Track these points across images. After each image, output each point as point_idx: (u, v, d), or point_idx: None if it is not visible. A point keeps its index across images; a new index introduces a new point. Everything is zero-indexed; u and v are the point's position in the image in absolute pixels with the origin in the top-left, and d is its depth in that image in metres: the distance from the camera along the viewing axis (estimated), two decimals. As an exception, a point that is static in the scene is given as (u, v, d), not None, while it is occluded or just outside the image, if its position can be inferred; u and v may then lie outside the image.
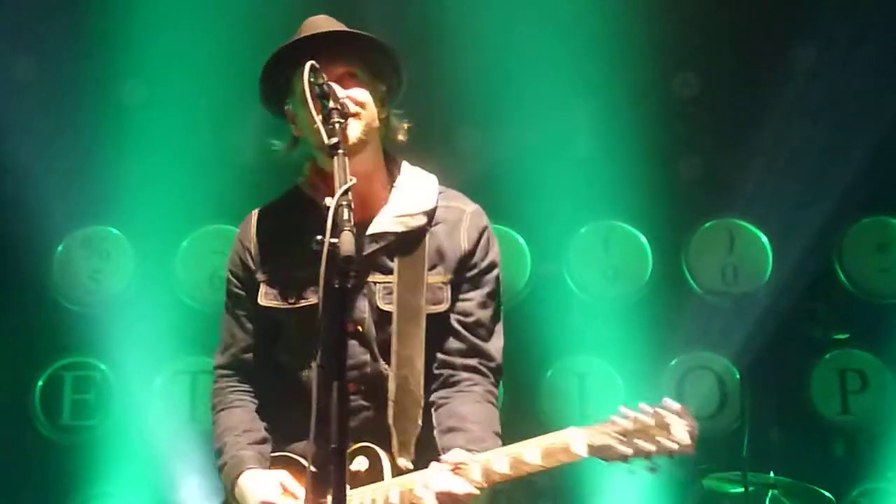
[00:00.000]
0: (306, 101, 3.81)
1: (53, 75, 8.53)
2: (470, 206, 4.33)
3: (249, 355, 4.34)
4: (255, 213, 4.44)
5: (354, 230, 3.45)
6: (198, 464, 8.04)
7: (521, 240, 8.42)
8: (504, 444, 3.94)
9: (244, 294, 4.33)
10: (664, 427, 3.46)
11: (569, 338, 8.25)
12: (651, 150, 8.46)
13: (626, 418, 3.52)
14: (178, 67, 8.22)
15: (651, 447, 3.46)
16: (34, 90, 8.56)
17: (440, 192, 4.31)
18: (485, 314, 4.21)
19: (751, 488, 7.29)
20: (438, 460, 3.88)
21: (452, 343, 4.16)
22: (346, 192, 3.50)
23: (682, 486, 8.16)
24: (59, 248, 8.63)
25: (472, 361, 4.15)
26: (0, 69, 8.49)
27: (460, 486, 3.74)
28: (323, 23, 4.21)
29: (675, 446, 3.45)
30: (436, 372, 4.14)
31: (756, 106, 8.57)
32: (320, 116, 3.73)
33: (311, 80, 3.78)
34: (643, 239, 8.77)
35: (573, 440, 3.57)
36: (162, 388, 8.49)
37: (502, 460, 3.72)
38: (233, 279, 4.39)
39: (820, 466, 8.13)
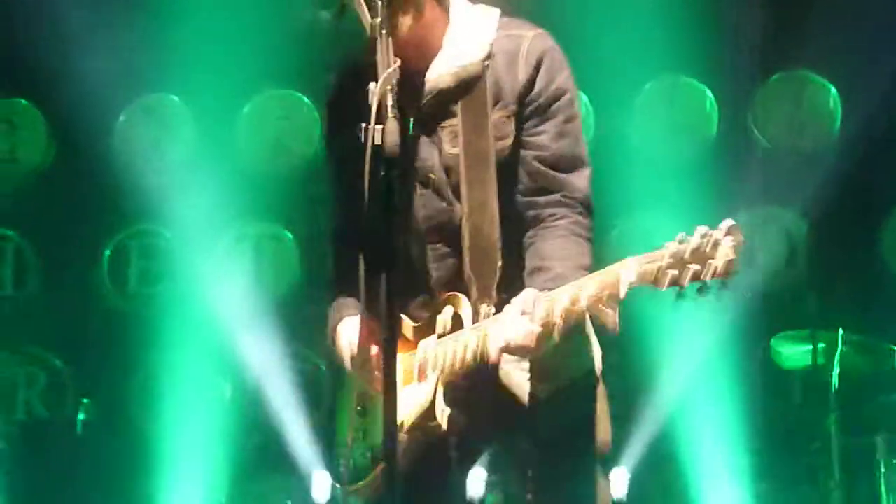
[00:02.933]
0: None
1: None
2: (530, 32, 3.99)
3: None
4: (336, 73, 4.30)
5: (398, 116, 3.36)
6: (262, 328, 8.15)
7: (584, 98, 8.28)
8: None
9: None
10: (713, 245, 3.40)
11: (634, 196, 8.16)
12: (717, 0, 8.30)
13: (679, 242, 3.44)
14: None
15: (697, 267, 3.39)
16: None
17: (502, 24, 4.03)
18: (563, 145, 3.97)
19: (820, 345, 7.26)
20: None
21: (531, 182, 3.97)
22: (389, 78, 3.42)
23: (749, 345, 8.16)
24: (121, 117, 8.65)
25: (555, 196, 3.95)
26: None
27: (520, 332, 3.67)
28: None
29: (719, 264, 3.38)
30: (522, 213, 4.00)
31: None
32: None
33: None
34: (709, 93, 8.65)
35: (625, 269, 3.49)
36: (226, 253, 8.59)
37: (564, 297, 3.64)
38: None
39: (890, 322, 8.06)
